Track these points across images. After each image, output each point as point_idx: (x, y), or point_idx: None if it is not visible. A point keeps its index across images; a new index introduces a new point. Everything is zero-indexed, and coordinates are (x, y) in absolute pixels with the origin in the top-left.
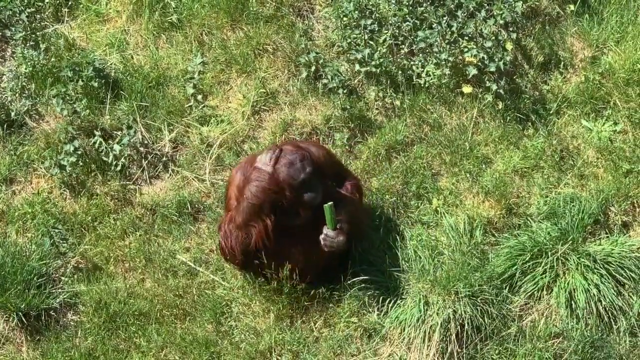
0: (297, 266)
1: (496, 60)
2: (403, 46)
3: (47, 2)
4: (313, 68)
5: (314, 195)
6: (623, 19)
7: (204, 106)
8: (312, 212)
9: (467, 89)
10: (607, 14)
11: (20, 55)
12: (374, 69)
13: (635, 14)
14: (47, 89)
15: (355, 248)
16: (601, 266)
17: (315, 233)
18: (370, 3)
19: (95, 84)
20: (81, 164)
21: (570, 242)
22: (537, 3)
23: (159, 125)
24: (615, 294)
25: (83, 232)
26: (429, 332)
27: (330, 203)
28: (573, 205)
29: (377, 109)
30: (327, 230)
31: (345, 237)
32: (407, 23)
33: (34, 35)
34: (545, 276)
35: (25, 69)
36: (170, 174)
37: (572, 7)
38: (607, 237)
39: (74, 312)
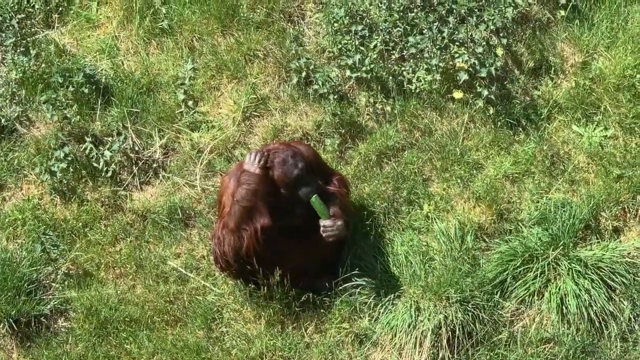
0: (298, 266)
1: (487, 65)
2: (394, 52)
3: (38, 8)
4: (304, 74)
5: (308, 189)
6: (613, 25)
7: (194, 112)
8: (307, 208)
9: (458, 94)
10: (597, 19)
11: (11, 61)
12: (364, 75)
13: (625, 20)
14: (38, 95)
15: (346, 253)
16: (592, 271)
17: (312, 233)
18: (361, 9)
19: (86, 90)
20: (72, 170)
21: (561, 247)
22: (527, 9)
23: (150, 131)
24: (606, 299)
25: (74, 239)
26: (420, 338)
27: (315, 195)
28: (564, 211)
29: (368, 114)
30: (323, 222)
31: (343, 221)
32: (398, 29)
33: (24, 41)
34: (537, 281)
35: (16, 75)
36: (161, 180)
37: (562, 12)
38: (598, 242)
39: (64, 318)
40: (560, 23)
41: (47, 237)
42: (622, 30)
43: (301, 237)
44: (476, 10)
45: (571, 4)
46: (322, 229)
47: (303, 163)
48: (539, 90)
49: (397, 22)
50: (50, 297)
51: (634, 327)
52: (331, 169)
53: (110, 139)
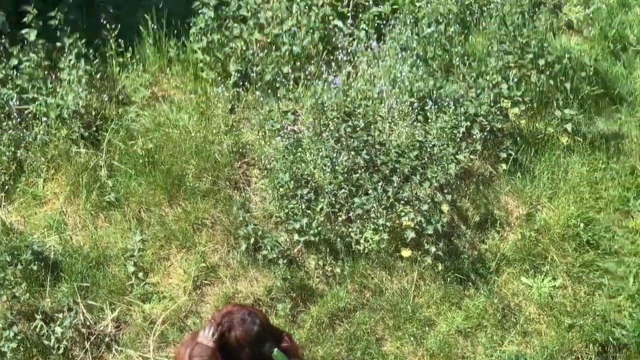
0: None
1: (433, 222)
2: (340, 213)
3: None
4: (252, 240)
5: (269, 344)
6: (554, 176)
7: (145, 283)
8: None
9: (406, 252)
10: (538, 171)
11: None
12: (312, 238)
13: (565, 170)
14: None
15: None
16: None
17: None
18: (306, 172)
19: (35, 267)
20: (22, 349)
21: None
22: (469, 164)
23: (101, 305)
24: None
25: None
26: None
27: (275, 349)
28: None
29: (318, 277)
30: None
31: None
32: (343, 190)
33: None
34: None
35: None
36: (114, 354)
37: (504, 166)
38: None
39: None
40: (503, 177)
41: None
42: (563, 181)
43: None
44: (419, 168)
45: (512, 157)
46: None
47: (259, 319)
48: (486, 243)
49: (342, 183)
50: None
51: None
52: (277, 328)
53: (61, 315)
